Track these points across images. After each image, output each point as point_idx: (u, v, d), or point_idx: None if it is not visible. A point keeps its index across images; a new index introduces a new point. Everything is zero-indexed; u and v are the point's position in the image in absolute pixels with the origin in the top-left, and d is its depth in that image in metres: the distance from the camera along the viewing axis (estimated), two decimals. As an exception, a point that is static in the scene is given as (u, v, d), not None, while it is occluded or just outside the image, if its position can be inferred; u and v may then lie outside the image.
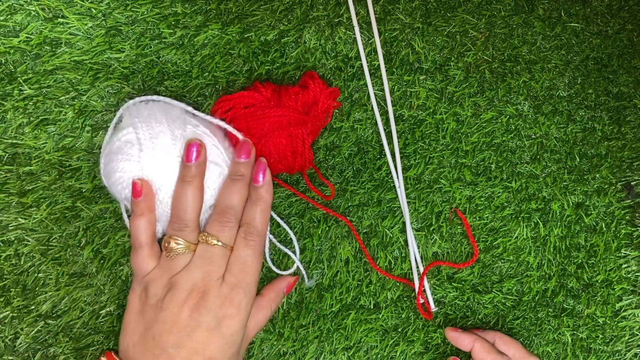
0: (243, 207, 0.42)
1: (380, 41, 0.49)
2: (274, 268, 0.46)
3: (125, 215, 0.44)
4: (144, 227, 0.40)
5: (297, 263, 0.47)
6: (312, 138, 0.45)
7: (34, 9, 0.44)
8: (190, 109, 0.42)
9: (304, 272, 0.47)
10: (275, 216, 0.47)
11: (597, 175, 0.51)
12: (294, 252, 0.47)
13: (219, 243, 0.40)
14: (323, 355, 0.48)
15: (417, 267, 0.48)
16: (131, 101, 0.42)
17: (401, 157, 0.49)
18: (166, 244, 0.40)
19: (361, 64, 0.48)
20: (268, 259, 0.46)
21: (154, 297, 0.39)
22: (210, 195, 0.41)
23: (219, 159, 0.41)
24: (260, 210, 0.41)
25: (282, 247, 0.47)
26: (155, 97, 0.42)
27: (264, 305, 0.43)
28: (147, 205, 0.40)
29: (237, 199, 0.41)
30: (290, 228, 0.47)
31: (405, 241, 0.48)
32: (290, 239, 0.47)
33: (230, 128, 0.42)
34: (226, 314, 0.38)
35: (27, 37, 0.44)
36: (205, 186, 0.41)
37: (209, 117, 0.42)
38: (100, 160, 0.41)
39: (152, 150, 0.39)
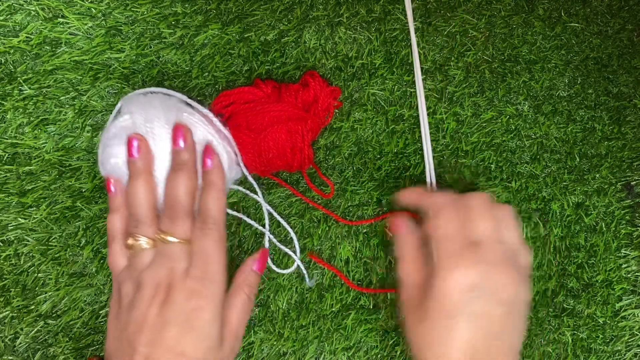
0: (193, 196, 0.40)
1: (380, 41, 0.49)
2: (274, 267, 0.46)
3: None
4: (117, 220, 0.40)
5: (297, 262, 0.47)
6: (312, 136, 0.45)
7: (33, 8, 0.44)
8: (187, 98, 0.42)
9: (304, 271, 0.47)
10: (275, 215, 0.47)
11: (597, 175, 0.51)
12: (294, 252, 0.47)
13: (175, 239, 0.39)
14: (323, 355, 0.48)
15: None
16: (131, 93, 0.42)
17: (401, 157, 0.49)
18: (126, 242, 0.39)
19: (361, 64, 0.48)
20: (269, 260, 0.46)
21: (126, 297, 0.38)
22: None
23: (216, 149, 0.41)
24: (213, 197, 0.40)
25: (282, 247, 0.47)
26: (154, 88, 0.42)
27: (237, 290, 0.41)
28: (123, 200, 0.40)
29: (184, 190, 0.39)
30: (291, 228, 0.47)
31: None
32: (291, 238, 0.47)
33: (217, 121, 0.42)
34: (194, 307, 0.37)
35: (27, 37, 0.44)
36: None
37: (203, 109, 0.42)
38: (98, 150, 0.41)
39: (146, 133, 0.39)
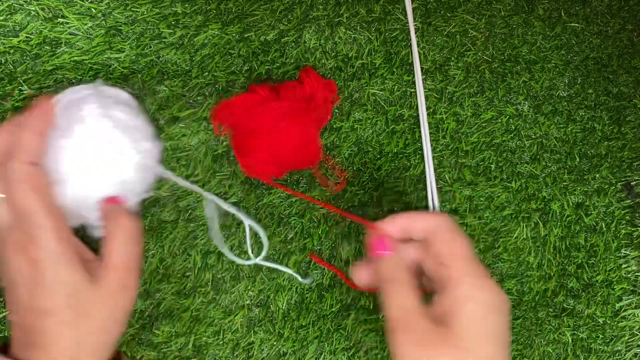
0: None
1: (380, 41, 0.49)
2: (234, 258, 0.46)
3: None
4: None
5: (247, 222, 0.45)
6: (317, 128, 0.44)
7: (33, 8, 0.44)
8: (105, 87, 0.41)
9: (258, 229, 0.47)
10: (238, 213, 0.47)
11: (597, 175, 0.51)
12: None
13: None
14: (323, 355, 0.48)
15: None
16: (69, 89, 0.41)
17: (401, 157, 0.49)
18: None
19: (361, 64, 0.48)
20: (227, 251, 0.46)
21: None
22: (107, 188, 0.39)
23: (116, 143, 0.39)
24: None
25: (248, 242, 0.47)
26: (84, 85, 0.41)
27: (109, 220, 0.37)
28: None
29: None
30: (291, 228, 0.47)
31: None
32: (291, 238, 0.47)
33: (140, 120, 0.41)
34: (28, 262, 0.35)
35: (27, 37, 0.44)
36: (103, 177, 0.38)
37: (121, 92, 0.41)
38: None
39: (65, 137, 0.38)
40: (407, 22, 0.49)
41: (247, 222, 0.45)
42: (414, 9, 0.49)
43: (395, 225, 0.39)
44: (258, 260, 0.45)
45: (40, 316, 0.34)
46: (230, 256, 0.45)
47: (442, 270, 0.36)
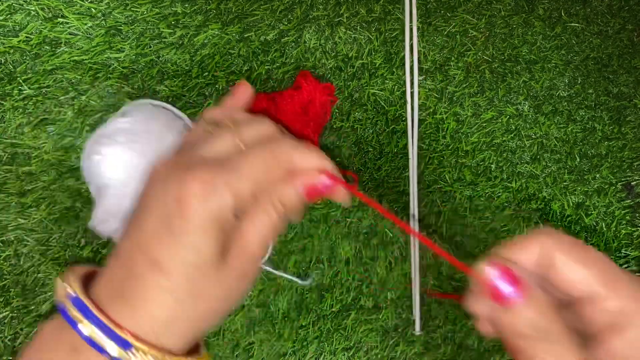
0: None
1: (380, 41, 0.49)
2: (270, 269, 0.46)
3: (96, 200, 0.43)
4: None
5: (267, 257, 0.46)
6: (316, 133, 0.45)
7: (33, 8, 0.44)
8: (190, 123, 0.42)
9: (276, 272, 0.47)
10: None
11: (597, 175, 0.51)
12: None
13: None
14: (323, 355, 0.48)
15: (415, 275, 0.48)
16: (142, 100, 0.42)
17: (401, 157, 0.49)
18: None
19: (362, 64, 0.48)
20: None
21: None
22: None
23: None
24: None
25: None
26: (168, 105, 0.42)
27: (265, 202, 0.32)
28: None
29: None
30: (291, 228, 0.47)
31: (405, 241, 0.48)
32: (291, 238, 0.47)
33: None
34: (180, 199, 0.31)
35: (27, 37, 0.44)
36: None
37: None
38: (88, 141, 0.41)
39: (138, 143, 0.39)
40: (408, 23, 0.49)
41: None
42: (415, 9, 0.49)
43: (529, 251, 0.27)
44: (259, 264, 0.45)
45: (151, 268, 0.29)
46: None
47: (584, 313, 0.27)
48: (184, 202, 0.29)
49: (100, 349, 0.29)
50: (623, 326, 0.25)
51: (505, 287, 0.25)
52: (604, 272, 0.26)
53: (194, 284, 0.30)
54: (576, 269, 0.26)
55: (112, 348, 0.29)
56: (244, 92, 0.37)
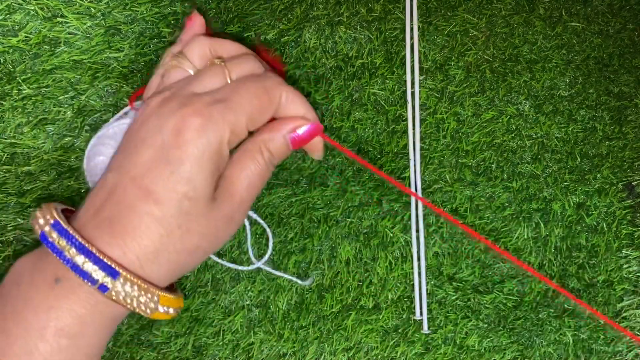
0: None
1: (381, 40, 0.48)
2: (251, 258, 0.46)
3: None
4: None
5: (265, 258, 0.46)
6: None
7: (32, 8, 0.44)
8: None
9: (267, 268, 0.47)
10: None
11: (598, 175, 0.51)
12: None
13: (220, 62, 0.36)
14: (323, 356, 0.48)
15: (419, 270, 0.48)
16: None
17: (401, 158, 0.49)
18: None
19: (362, 63, 0.48)
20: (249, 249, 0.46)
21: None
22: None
23: None
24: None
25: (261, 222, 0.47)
26: None
27: (253, 149, 0.34)
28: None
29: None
30: (291, 228, 0.47)
31: (406, 241, 0.48)
32: (291, 238, 0.47)
33: None
34: (180, 130, 0.32)
35: (26, 37, 0.44)
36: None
37: None
38: (90, 141, 0.41)
39: None
40: (408, 22, 0.49)
41: (254, 216, 0.45)
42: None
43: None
44: (259, 264, 0.45)
45: (144, 198, 0.29)
46: (229, 264, 0.44)
47: None
48: (183, 134, 0.29)
49: (86, 275, 0.28)
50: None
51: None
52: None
53: (185, 217, 0.30)
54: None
55: (98, 275, 0.28)
56: (196, 24, 0.37)
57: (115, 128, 0.39)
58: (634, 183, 0.52)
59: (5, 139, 0.44)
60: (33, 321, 0.28)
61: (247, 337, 0.47)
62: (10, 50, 0.44)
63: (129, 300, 0.29)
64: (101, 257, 0.28)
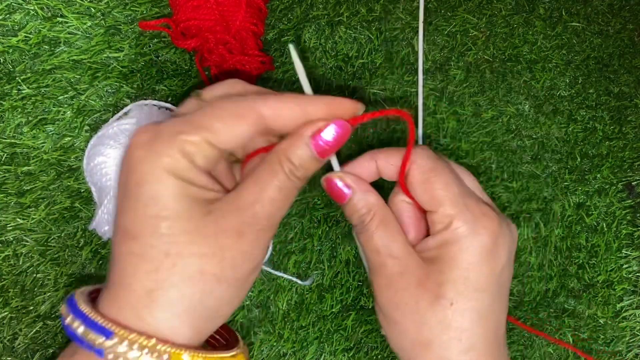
0: None
1: (381, 40, 0.48)
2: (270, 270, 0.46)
3: (98, 202, 0.42)
4: None
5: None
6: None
7: (32, 8, 0.44)
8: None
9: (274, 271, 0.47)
10: None
11: (598, 175, 0.51)
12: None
13: None
14: (323, 356, 0.48)
15: None
16: (146, 101, 0.41)
17: (401, 157, 0.49)
18: None
19: (362, 63, 0.48)
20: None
21: None
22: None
23: None
24: None
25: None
26: (168, 104, 0.42)
27: (272, 161, 0.29)
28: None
29: None
30: (291, 228, 0.47)
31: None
32: (291, 238, 0.47)
33: None
34: (142, 157, 0.29)
35: (26, 37, 0.44)
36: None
37: None
38: (90, 141, 0.41)
39: None
40: (409, 21, 0.49)
41: None
42: (414, 9, 0.49)
43: (361, 167, 0.34)
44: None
45: (122, 240, 0.27)
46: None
47: (429, 216, 0.33)
48: (131, 166, 0.27)
49: (82, 341, 0.26)
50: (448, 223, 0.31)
51: (338, 191, 0.33)
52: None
53: (169, 241, 0.26)
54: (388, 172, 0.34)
55: (91, 338, 0.25)
56: None
57: (115, 128, 0.39)
58: (634, 183, 0.52)
59: (5, 139, 0.44)
60: None
61: (247, 337, 0.47)
62: (10, 50, 0.44)
63: None
64: (94, 317, 0.25)
